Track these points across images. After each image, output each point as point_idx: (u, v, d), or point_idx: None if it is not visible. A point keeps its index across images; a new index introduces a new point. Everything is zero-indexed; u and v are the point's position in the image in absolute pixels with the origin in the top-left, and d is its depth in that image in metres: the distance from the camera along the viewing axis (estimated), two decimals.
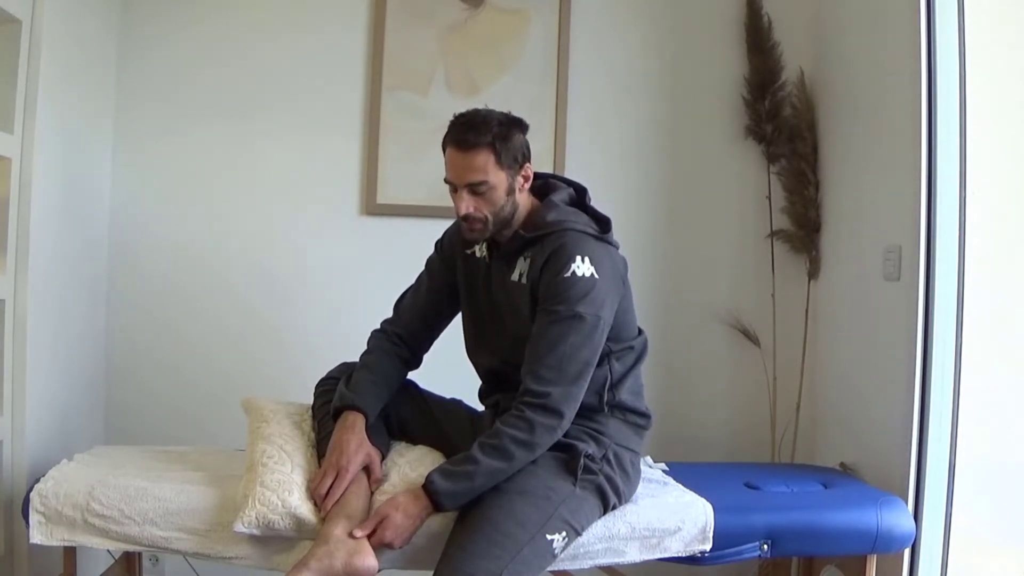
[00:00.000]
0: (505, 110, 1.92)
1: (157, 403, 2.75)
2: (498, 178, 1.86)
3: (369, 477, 1.88)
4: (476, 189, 1.85)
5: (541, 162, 2.70)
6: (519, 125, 1.91)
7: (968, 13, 2.22)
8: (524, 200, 1.94)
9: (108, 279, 2.74)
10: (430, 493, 1.75)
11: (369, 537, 1.74)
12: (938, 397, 2.22)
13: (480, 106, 1.93)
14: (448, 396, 2.12)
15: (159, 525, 1.86)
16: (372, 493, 1.87)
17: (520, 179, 1.90)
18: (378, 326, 2.11)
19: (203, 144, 2.77)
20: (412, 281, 2.14)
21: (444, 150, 1.90)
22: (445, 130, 1.90)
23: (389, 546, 1.74)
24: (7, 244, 2.16)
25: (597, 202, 2.02)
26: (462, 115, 1.89)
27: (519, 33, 2.82)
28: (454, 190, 1.89)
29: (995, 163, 2.28)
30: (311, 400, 2.11)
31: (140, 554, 2.36)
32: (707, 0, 2.88)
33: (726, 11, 2.86)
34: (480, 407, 2.10)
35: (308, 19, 2.80)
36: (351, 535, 1.73)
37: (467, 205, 1.86)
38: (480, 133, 1.84)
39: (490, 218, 1.88)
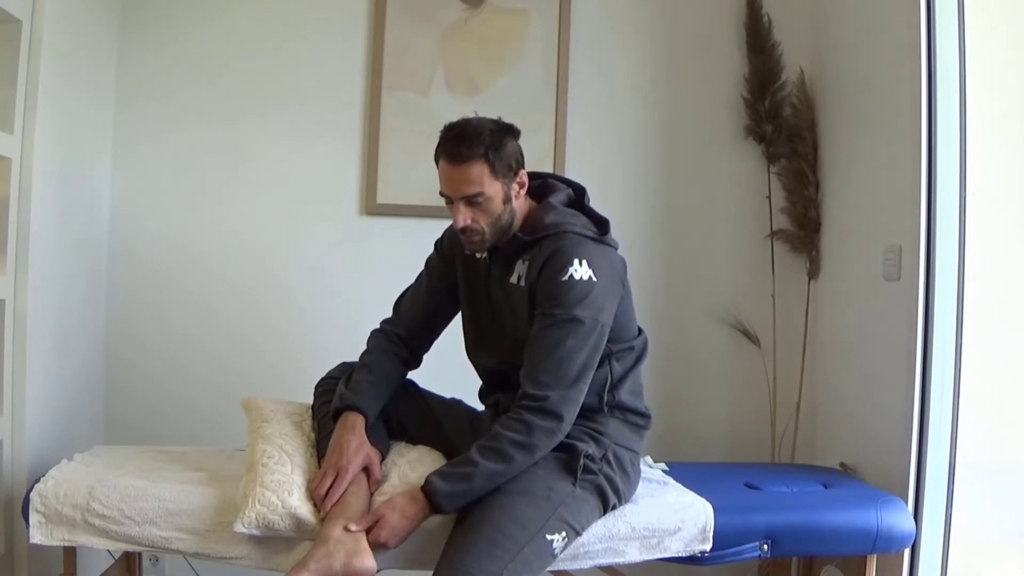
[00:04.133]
0: (496, 116, 1.92)
1: (157, 403, 2.75)
2: (494, 189, 1.85)
3: (369, 478, 1.88)
4: (472, 200, 1.85)
5: (541, 162, 2.70)
6: (511, 131, 1.90)
7: (968, 13, 2.22)
8: (521, 204, 1.94)
9: (108, 279, 2.74)
10: (428, 495, 1.75)
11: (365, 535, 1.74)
12: (938, 397, 2.22)
13: (483, 107, 1.93)
14: (448, 396, 2.12)
15: (159, 525, 1.86)
16: (372, 494, 1.87)
17: (515, 186, 1.90)
18: (378, 326, 2.11)
19: (203, 144, 2.77)
20: (412, 281, 2.14)
21: (436, 162, 1.89)
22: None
23: (384, 546, 1.74)
24: (7, 244, 2.16)
25: (597, 202, 2.02)
26: (452, 126, 1.88)
27: (519, 33, 2.82)
28: (450, 202, 1.89)
29: (995, 163, 2.28)
30: (311, 400, 2.11)
31: (140, 554, 2.36)
32: (707, 0, 2.88)
33: (726, 11, 2.86)
34: (480, 407, 2.10)
35: (308, 19, 2.80)
36: (346, 529, 1.73)
37: (464, 218, 1.86)
38: (472, 145, 1.83)
39: (487, 229, 1.88)
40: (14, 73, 2.16)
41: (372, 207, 2.79)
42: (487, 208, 1.86)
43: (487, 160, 1.83)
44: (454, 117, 1.91)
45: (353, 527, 1.73)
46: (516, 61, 2.82)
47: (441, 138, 1.88)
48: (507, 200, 1.88)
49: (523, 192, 1.93)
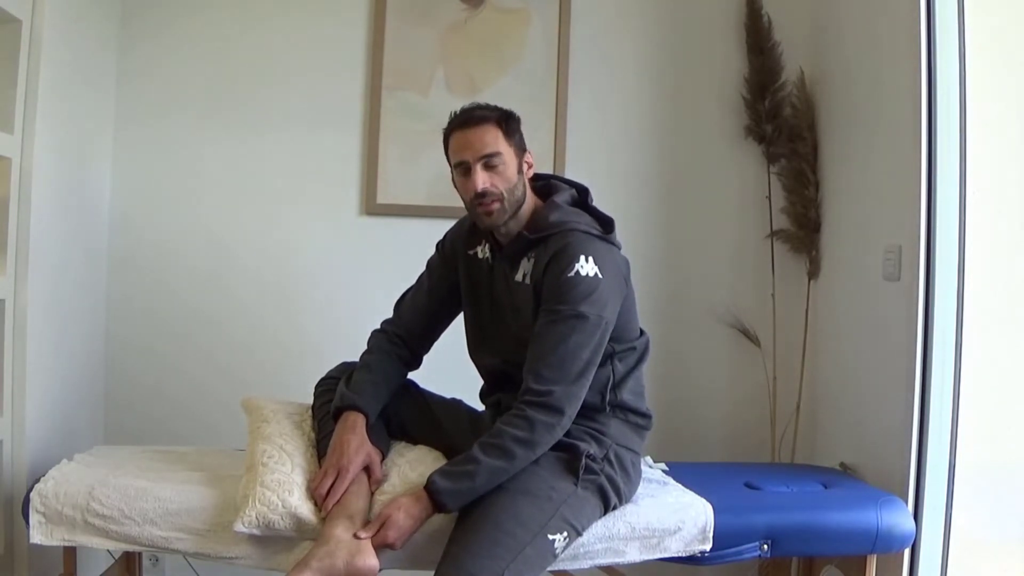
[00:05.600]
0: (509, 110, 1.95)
1: (157, 403, 2.75)
2: (508, 153, 1.89)
3: (369, 477, 1.88)
4: (491, 161, 1.87)
5: (541, 162, 2.69)
6: (515, 117, 1.95)
7: (968, 13, 2.22)
8: (528, 195, 1.95)
9: (108, 279, 2.74)
10: (431, 494, 1.75)
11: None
12: (938, 397, 2.22)
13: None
14: (448, 396, 2.12)
15: (159, 525, 1.86)
16: (372, 493, 1.87)
17: (525, 164, 1.93)
18: (378, 326, 2.11)
19: (204, 143, 2.77)
20: (412, 281, 2.14)
21: (447, 143, 1.92)
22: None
23: (391, 546, 1.74)
24: (7, 244, 2.16)
25: (597, 202, 2.03)
26: (460, 108, 1.94)
27: (519, 33, 2.82)
28: (465, 173, 1.89)
29: (995, 163, 2.27)
30: (311, 400, 2.11)
31: (140, 554, 2.36)
32: (707, 0, 2.88)
33: (726, 11, 2.86)
34: (481, 407, 2.10)
35: (308, 19, 2.80)
36: (355, 536, 1.73)
37: (483, 180, 1.87)
38: (485, 110, 1.90)
39: (505, 195, 1.88)
40: (14, 73, 2.16)
41: (372, 207, 2.79)
42: (504, 173, 1.88)
43: (499, 125, 1.89)
44: None
45: (362, 534, 1.73)
46: (516, 61, 2.82)
47: (451, 119, 1.93)
48: (520, 172, 1.91)
49: (531, 173, 1.96)
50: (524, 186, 1.93)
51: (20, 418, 2.18)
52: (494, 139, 1.87)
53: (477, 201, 1.88)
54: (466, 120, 1.89)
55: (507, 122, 1.91)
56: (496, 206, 1.89)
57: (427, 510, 1.76)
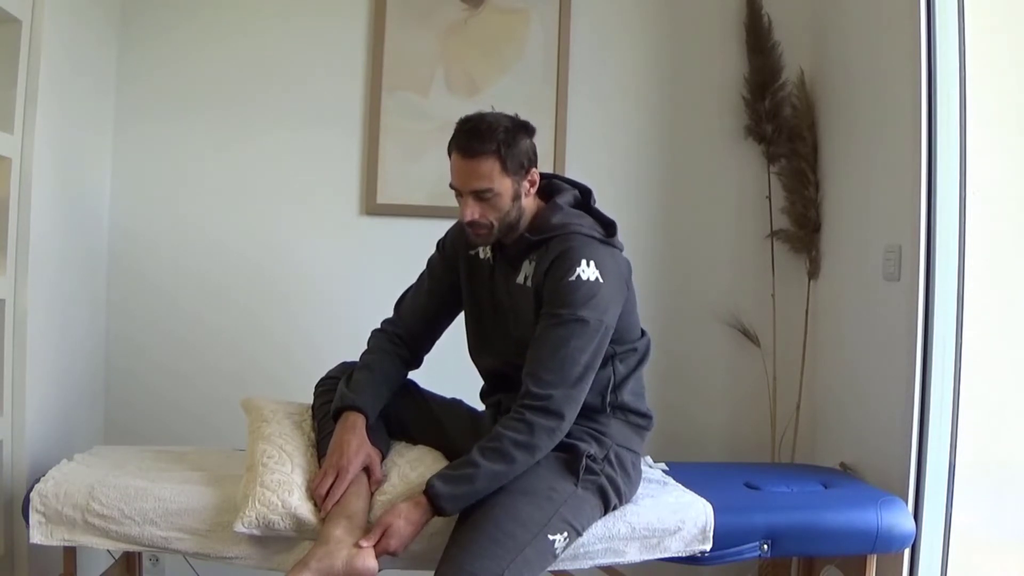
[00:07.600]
0: (511, 112, 1.91)
1: (157, 403, 2.74)
2: (503, 185, 1.85)
3: (369, 477, 1.88)
4: (481, 196, 1.85)
5: (541, 163, 2.66)
6: (525, 129, 1.90)
7: (968, 13, 2.22)
8: (530, 203, 1.93)
9: (108, 279, 2.74)
10: (431, 498, 1.75)
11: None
12: (938, 397, 2.22)
13: (484, 107, 1.92)
14: (449, 396, 2.12)
15: (159, 525, 1.86)
16: (372, 493, 1.87)
17: (526, 184, 1.90)
18: (378, 326, 2.11)
19: (203, 144, 2.77)
20: (412, 281, 2.14)
21: (449, 154, 1.89)
22: (445, 130, 1.91)
23: (393, 554, 1.74)
24: (7, 244, 2.16)
25: (597, 203, 2.02)
26: (468, 120, 1.87)
27: (519, 33, 2.82)
28: (459, 195, 1.89)
29: (995, 163, 2.28)
30: (311, 400, 2.11)
31: (140, 554, 2.36)
32: (707, 0, 2.88)
33: (726, 11, 2.86)
34: (481, 407, 2.10)
35: (308, 20, 2.80)
36: (357, 546, 1.72)
37: (472, 211, 1.86)
38: (485, 140, 1.83)
39: (495, 224, 1.88)
40: (14, 73, 2.16)
41: (372, 207, 2.79)
42: (495, 204, 1.86)
43: (499, 156, 1.83)
44: (454, 117, 1.91)
45: (363, 543, 1.72)
46: (516, 61, 2.82)
47: (455, 130, 1.87)
48: (516, 197, 1.88)
49: (533, 190, 1.93)
50: (520, 209, 1.90)
51: (20, 418, 2.18)
52: (488, 173, 1.83)
53: (466, 224, 1.88)
54: (465, 149, 1.84)
55: (508, 149, 1.83)
56: (484, 232, 1.89)
57: (427, 515, 1.76)
